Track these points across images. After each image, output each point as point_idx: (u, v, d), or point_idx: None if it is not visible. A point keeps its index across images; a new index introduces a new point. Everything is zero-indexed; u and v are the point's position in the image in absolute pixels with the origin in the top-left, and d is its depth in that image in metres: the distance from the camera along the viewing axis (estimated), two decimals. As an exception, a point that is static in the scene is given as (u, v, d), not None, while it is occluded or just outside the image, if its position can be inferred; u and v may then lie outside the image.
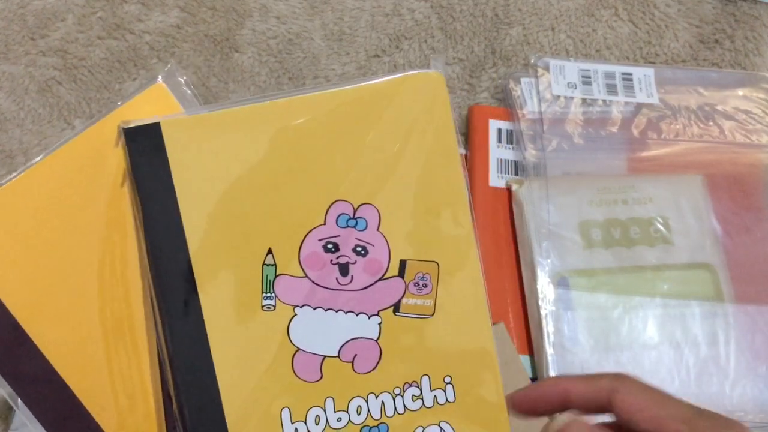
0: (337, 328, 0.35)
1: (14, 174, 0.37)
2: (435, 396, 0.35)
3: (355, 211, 0.35)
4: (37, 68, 0.57)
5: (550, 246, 0.49)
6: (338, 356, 0.35)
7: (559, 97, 0.54)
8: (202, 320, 0.34)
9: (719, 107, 0.55)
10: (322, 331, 0.35)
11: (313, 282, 0.35)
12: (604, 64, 0.56)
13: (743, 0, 0.60)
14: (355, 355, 0.35)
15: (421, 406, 0.35)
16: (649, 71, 0.56)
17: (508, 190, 0.52)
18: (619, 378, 0.30)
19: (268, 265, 0.34)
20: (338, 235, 0.35)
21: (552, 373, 0.46)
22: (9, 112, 0.55)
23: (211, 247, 0.34)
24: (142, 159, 0.34)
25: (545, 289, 0.48)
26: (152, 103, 0.38)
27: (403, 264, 0.35)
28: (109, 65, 0.57)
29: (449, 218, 0.36)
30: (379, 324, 0.35)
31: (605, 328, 0.47)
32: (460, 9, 0.60)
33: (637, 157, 0.53)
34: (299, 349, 0.34)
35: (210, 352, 0.34)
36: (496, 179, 0.53)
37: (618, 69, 0.56)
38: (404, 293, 0.35)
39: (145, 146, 0.34)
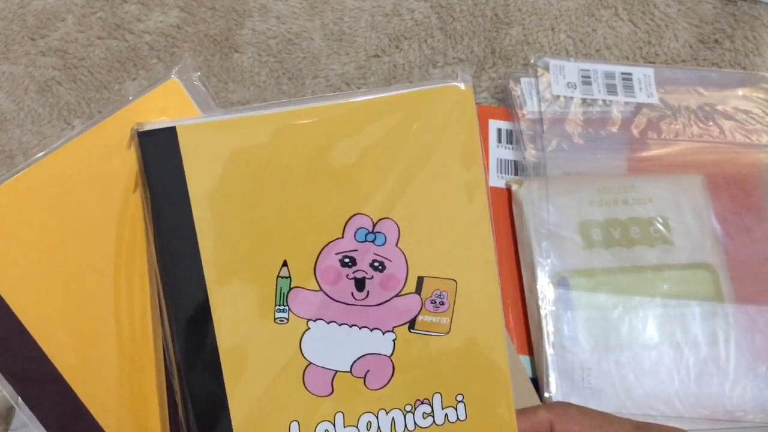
0: (351, 343, 0.34)
1: (20, 167, 0.36)
2: (446, 414, 0.35)
3: (374, 226, 0.34)
4: (36, 68, 0.57)
5: (550, 246, 0.49)
6: (350, 371, 0.34)
7: (558, 97, 0.54)
8: (213, 330, 0.33)
9: (719, 107, 0.55)
10: (335, 345, 0.34)
11: (327, 296, 0.34)
12: (604, 64, 0.56)
13: (743, 0, 0.60)
14: (368, 370, 0.34)
15: (431, 424, 0.35)
16: (649, 71, 0.56)
17: (508, 190, 0.52)
18: (556, 408, 0.30)
19: (282, 277, 0.34)
20: (356, 250, 0.34)
21: (552, 373, 0.46)
22: (9, 112, 0.55)
23: (224, 256, 0.34)
24: (156, 163, 0.34)
25: (545, 289, 0.47)
26: (165, 100, 0.37)
27: (420, 281, 0.35)
28: (108, 65, 0.57)
29: (470, 237, 0.35)
30: (394, 340, 0.34)
31: (605, 328, 0.47)
32: (459, 9, 0.60)
33: (637, 157, 0.53)
34: (311, 363, 0.34)
35: (220, 362, 0.33)
36: (496, 179, 0.53)
37: (618, 69, 0.56)
38: (420, 310, 0.34)
39: (159, 150, 0.34)
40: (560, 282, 0.48)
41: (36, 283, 0.36)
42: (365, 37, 0.59)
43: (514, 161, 0.54)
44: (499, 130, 0.55)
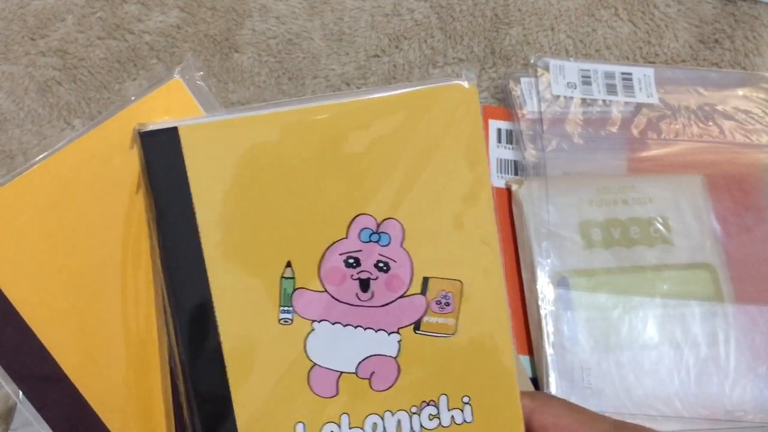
0: (356, 344, 0.34)
1: (22, 168, 0.36)
2: (452, 416, 0.35)
3: (378, 226, 0.34)
4: (36, 68, 0.57)
5: (549, 246, 0.49)
6: (355, 373, 0.34)
7: (558, 97, 0.54)
8: (217, 332, 0.33)
9: (719, 107, 0.55)
10: (340, 346, 0.34)
11: (332, 297, 0.34)
12: (603, 64, 0.56)
13: (743, 0, 0.60)
14: (373, 372, 0.34)
15: (437, 426, 0.34)
16: (649, 71, 0.56)
17: (508, 190, 0.52)
18: (538, 398, 0.30)
19: (286, 278, 0.34)
20: (360, 250, 0.34)
21: (552, 373, 0.46)
22: (9, 112, 0.55)
23: (228, 257, 0.34)
24: (158, 164, 0.34)
25: (545, 289, 0.48)
26: (168, 100, 0.37)
27: (426, 281, 0.34)
28: (108, 65, 0.57)
29: (475, 237, 0.35)
30: (399, 341, 0.34)
31: (605, 328, 0.47)
32: (459, 9, 0.60)
33: (637, 157, 0.53)
34: (316, 364, 0.34)
35: (224, 363, 0.33)
36: (496, 179, 0.53)
37: (618, 69, 0.56)
38: (426, 311, 0.34)
39: (161, 151, 0.34)
40: (560, 282, 0.48)
41: (41, 283, 0.36)
42: (365, 37, 0.59)
43: (514, 161, 0.54)
44: (499, 130, 0.55)
